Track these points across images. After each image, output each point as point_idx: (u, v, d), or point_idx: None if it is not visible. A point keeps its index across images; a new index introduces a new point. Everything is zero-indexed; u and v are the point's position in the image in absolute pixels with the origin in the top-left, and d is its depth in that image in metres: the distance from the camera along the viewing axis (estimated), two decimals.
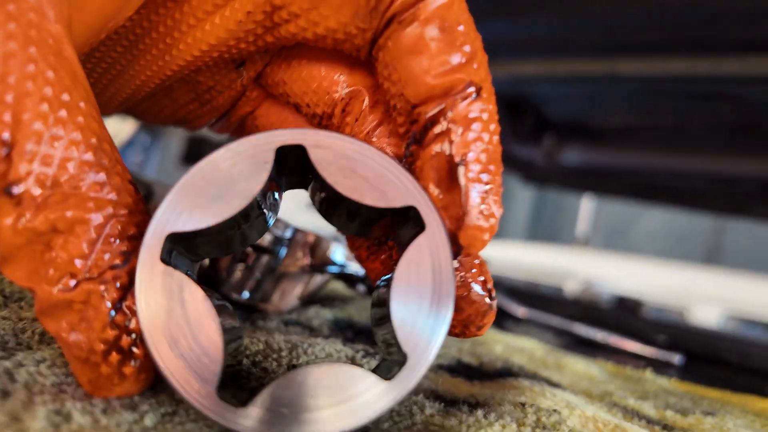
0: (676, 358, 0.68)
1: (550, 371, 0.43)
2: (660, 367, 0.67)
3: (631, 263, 3.12)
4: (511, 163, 2.05)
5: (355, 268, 0.47)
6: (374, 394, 0.19)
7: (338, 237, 0.49)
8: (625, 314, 1.09)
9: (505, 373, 0.38)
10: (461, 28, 0.22)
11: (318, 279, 0.45)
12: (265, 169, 0.20)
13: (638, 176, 1.91)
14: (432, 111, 0.21)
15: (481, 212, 0.21)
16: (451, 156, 0.21)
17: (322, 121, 0.27)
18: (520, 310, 0.80)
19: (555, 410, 0.28)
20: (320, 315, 0.45)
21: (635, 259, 3.47)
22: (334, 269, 0.45)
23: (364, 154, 0.20)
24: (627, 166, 1.66)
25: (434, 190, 0.22)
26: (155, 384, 0.23)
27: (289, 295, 0.43)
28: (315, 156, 0.20)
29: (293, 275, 0.43)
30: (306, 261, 0.43)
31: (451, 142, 0.21)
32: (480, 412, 0.26)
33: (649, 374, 0.48)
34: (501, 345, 0.49)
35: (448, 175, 0.21)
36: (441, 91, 0.21)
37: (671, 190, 2.02)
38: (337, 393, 0.19)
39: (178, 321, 0.19)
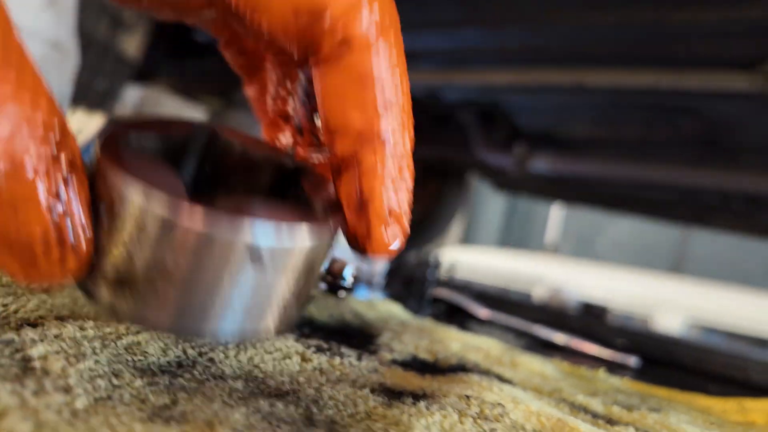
0: (632, 360, 0.70)
1: (503, 368, 0.44)
2: (616, 368, 0.69)
3: (598, 271, 3.20)
4: (484, 170, 2.08)
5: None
6: None
7: None
8: (589, 319, 1.11)
9: (457, 369, 0.38)
10: (381, 77, 0.23)
11: None
12: None
13: (604, 185, 1.96)
14: (346, 151, 0.23)
15: (384, 243, 0.23)
16: (360, 192, 0.23)
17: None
18: (482, 312, 0.81)
19: (499, 404, 0.29)
20: None
21: (602, 266, 3.56)
22: None
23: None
24: (594, 175, 1.70)
25: (349, 214, 0.24)
26: (94, 368, 0.22)
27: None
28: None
29: None
30: None
31: (360, 183, 0.23)
32: (423, 403, 0.26)
33: (602, 374, 0.49)
34: (459, 343, 0.49)
35: (357, 205, 0.23)
36: (355, 134, 0.23)
37: (636, 199, 2.08)
38: None
39: None
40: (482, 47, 1.25)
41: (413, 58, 1.43)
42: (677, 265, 4.60)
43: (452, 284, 1.13)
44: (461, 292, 0.97)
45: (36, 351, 0.23)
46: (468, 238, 5.44)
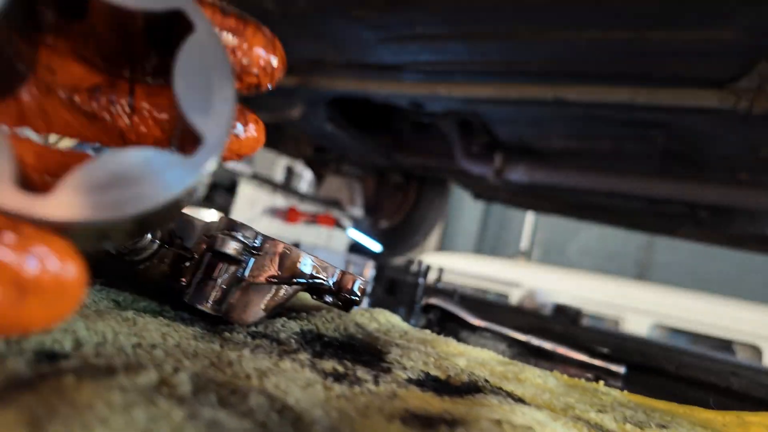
0: (623, 369, 0.72)
1: (511, 384, 0.44)
2: (607, 376, 0.71)
3: (569, 275, 3.29)
4: (463, 179, 2.10)
5: (324, 279, 0.46)
6: (176, 174, 0.19)
7: (306, 248, 0.48)
8: (569, 326, 1.14)
9: (471, 388, 0.38)
10: None
11: (285, 290, 0.44)
12: None
13: (577, 195, 2.02)
14: None
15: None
16: None
17: None
18: (475, 321, 0.82)
19: (529, 427, 0.29)
20: (287, 326, 0.44)
21: (573, 271, 3.66)
22: (302, 281, 0.44)
23: None
24: (567, 185, 1.74)
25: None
26: None
27: (255, 306, 0.42)
28: None
29: (260, 286, 0.42)
30: (274, 272, 0.42)
31: None
32: (461, 430, 0.26)
33: (602, 387, 0.50)
34: (464, 358, 0.49)
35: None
36: None
37: (606, 208, 2.15)
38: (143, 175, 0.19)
39: None
40: (465, 61, 1.27)
41: (397, 70, 1.44)
42: (642, 271, 4.77)
43: (439, 290, 1.14)
44: (448, 298, 0.97)
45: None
46: (445, 245, 5.50)
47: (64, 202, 0.17)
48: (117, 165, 0.18)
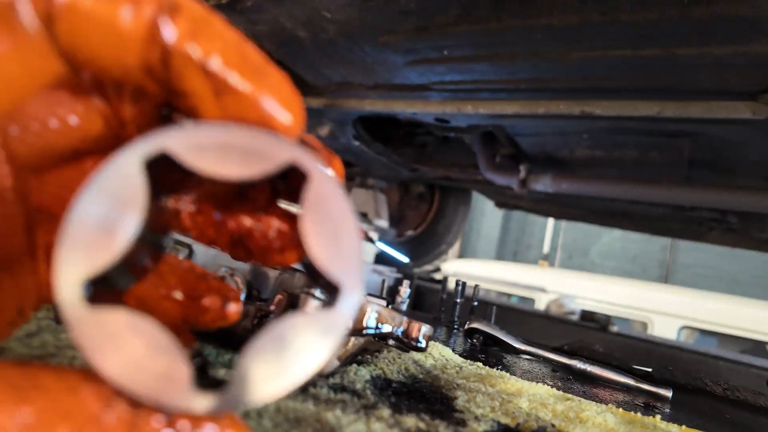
0: (670, 393, 0.73)
1: (575, 426, 0.46)
2: (654, 399, 0.72)
3: (594, 280, 3.26)
4: (487, 189, 2.11)
5: (388, 329, 0.48)
6: (325, 329, 0.19)
7: (373, 301, 0.50)
8: (607, 339, 1.14)
9: None
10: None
11: (355, 341, 0.47)
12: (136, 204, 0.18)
13: (602, 202, 2.01)
14: (152, 59, 0.19)
15: (257, 99, 0.20)
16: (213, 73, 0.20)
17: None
18: (519, 345, 0.83)
19: None
20: (359, 375, 0.46)
21: (598, 275, 3.64)
22: (369, 331, 0.46)
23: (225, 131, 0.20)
24: (592, 193, 1.74)
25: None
26: None
27: (331, 357, 0.44)
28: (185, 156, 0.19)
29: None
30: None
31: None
32: None
33: (659, 421, 0.51)
34: (525, 398, 0.51)
35: (210, 87, 0.20)
36: (143, 44, 0.19)
37: (631, 214, 2.14)
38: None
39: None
40: (492, 80, 1.28)
41: (424, 91, 1.45)
42: (667, 273, 4.70)
43: (475, 307, 1.15)
44: (488, 321, 0.99)
45: None
46: (466, 251, 5.49)
47: (233, 397, 0.18)
48: (278, 341, 0.19)
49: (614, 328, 1.60)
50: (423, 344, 0.48)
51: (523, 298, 2.95)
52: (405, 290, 1.14)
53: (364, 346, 0.57)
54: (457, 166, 1.93)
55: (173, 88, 0.20)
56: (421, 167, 1.96)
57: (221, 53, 0.19)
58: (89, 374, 0.17)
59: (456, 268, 2.97)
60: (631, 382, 0.76)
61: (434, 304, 1.11)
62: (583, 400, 0.56)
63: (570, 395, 0.57)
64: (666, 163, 1.63)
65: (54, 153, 0.23)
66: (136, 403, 0.17)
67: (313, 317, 0.19)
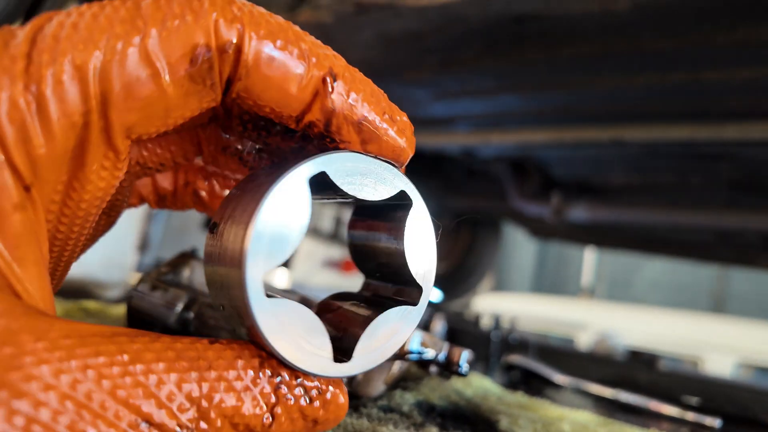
0: (717, 423, 0.70)
1: None
2: (701, 429, 0.70)
3: (639, 313, 3.13)
4: (519, 219, 2.11)
5: (431, 354, 0.50)
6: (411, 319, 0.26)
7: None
8: (653, 375, 1.11)
9: None
10: (283, 43, 0.24)
11: (400, 365, 0.49)
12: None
13: (640, 230, 1.97)
14: (315, 116, 0.24)
15: (392, 141, 0.26)
16: (357, 122, 0.25)
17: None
18: (559, 378, 0.82)
19: None
20: (405, 399, 0.48)
21: (642, 308, 3.49)
22: (413, 357, 0.48)
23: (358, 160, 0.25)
24: (630, 220, 1.71)
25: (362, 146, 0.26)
26: None
27: (377, 381, 0.47)
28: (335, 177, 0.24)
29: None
30: None
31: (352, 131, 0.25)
32: None
33: None
34: (567, 423, 0.51)
35: (359, 136, 0.25)
36: (310, 97, 0.24)
37: (673, 242, 2.08)
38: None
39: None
40: (519, 110, 1.31)
41: (450, 123, 1.49)
42: (718, 304, 4.45)
43: (511, 340, 1.14)
44: (528, 356, 0.98)
45: None
46: (500, 283, 5.39)
47: (357, 364, 0.24)
48: (382, 325, 0.25)
49: (664, 367, 1.54)
50: (465, 369, 0.49)
51: (564, 339, 2.85)
52: (439, 325, 1.15)
53: (407, 372, 0.59)
54: (486, 196, 1.95)
55: (326, 133, 0.25)
56: (448, 199, 1.98)
57: (368, 106, 0.25)
58: (235, 347, 0.22)
59: (489, 303, 2.91)
60: (677, 413, 0.74)
61: (467, 341, 1.12)
62: (626, 426, 0.55)
63: (612, 420, 0.57)
64: (705, 187, 1.60)
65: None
66: (278, 371, 0.23)
67: (400, 310, 0.25)
